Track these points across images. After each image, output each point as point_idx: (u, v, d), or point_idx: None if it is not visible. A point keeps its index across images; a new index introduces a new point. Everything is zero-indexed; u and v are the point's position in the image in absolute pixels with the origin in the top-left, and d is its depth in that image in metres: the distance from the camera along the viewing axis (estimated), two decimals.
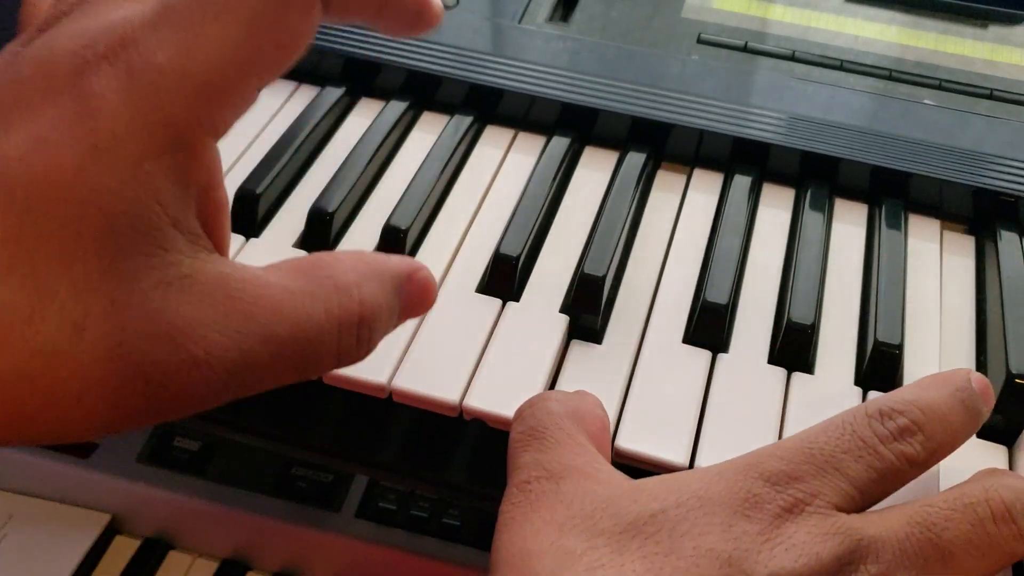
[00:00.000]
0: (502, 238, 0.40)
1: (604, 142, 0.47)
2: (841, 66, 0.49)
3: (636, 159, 0.45)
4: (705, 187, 0.45)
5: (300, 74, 0.50)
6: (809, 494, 0.26)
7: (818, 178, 0.45)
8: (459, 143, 0.45)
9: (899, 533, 0.26)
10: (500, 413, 0.34)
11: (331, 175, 0.43)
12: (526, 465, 0.28)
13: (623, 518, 0.26)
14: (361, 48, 0.49)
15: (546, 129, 0.47)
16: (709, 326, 0.37)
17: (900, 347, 0.36)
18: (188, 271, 0.23)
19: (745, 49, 0.50)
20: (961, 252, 0.43)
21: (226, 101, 0.25)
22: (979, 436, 0.35)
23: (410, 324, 0.36)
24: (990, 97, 0.47)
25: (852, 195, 0.45)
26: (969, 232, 0.44)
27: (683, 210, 0.44)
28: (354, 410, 0.38)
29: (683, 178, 0.46)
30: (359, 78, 0.49)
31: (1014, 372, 0.35)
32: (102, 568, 0.46)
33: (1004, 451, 0.35)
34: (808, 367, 0.37)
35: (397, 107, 0.47)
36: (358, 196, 0.43)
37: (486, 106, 0.48)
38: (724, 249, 0.40)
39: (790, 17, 0.52)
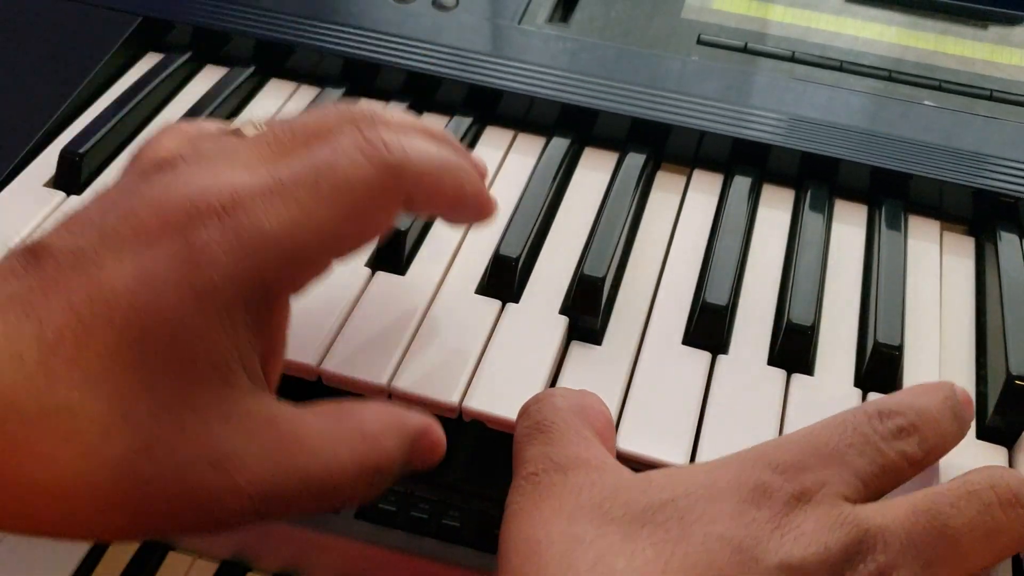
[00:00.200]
0: (502, 239, 0.40)
1: (604, 143, 0.47)
2: (841, 67, 0.49)
3: (636, 160, 0.45)
4: (705, 188, 0.45)
5: (300, 74, 0.50)
6: (817, 483, 0.27)
7: (818, 179, 0.45)
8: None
9: (906, 522, 0.27)
10: (500, 415, 0.34)
11: None
12: (533, 458, 0.28)
13: (633, 507, 0.26)
14: (361, 49, 0.49)
15: (546, 130, 0.47)
16: (709, 327, 0.37)
17: (900, 348, 0.36)
18: (245, 408, 0.26)
19: (745, 50, 0.50)
20: (961, 253, 0.43)
21: (311, 271, 0.28)
22: (979, 437, 0.35)
23: (410, 325, 0.36)
24: (990, 98, 0.47)
25: (852, 196, 0.45)
26: (969, 233, 0.44)
27: (683, 211, 0.44)
28: None
29: (683, 179, 0.46)
30: (359, 78, 0.49)
31: (1014, 373, 0.35)
32: (102, 569, 0.46)
33: (1004, 452, 0.35)
34: (808, 368, 0.37)
35: (397, 108, 0.47)
36: None
37: (486, 107, 0.48)
38: (724, 250, 0.40)
39: (790, 18, 0.52)
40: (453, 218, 0.34)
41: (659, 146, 0.46)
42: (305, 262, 0.27)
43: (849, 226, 0.43)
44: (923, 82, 0.48)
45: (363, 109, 0.30)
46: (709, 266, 0.40)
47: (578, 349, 0.37)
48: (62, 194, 0.42)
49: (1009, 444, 0.35)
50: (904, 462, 0.28)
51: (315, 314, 0.36)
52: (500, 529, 0.27)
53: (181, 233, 0.25)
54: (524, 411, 0.31)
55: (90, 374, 0.24)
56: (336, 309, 0.37)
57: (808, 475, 0.27)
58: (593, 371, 0.36)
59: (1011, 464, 0.34)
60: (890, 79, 0.48)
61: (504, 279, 0.38)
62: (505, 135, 0.47)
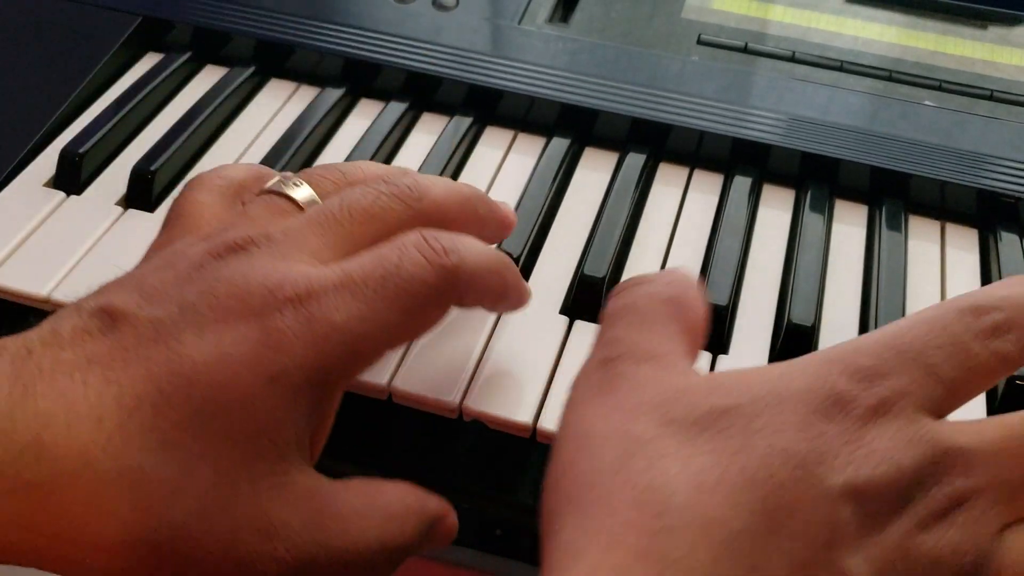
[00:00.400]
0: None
1: (604, 143, 0.47)
2: (841, 67, 0.49)
3: (636, 160, 0.45)
4: (705, 188, 0.45)
5: (300, 74, 0.50)
6: (897, 392, 0.24)
7: (818, 179, 0.45)
8: (459, 144, 0.45)
9: (994, 446, 0.24)
10: (500, 415, 0.34)
11: None
12: (612, 340, 0.28)
13: (695, 409, 0.25)
14: (361, 49, 0.49)
15: (546, 130, 0.47)
16: (709, 327, 0.37)
17: None
18: (292, 480, 0.27)
19: (745, 50, 0.50)
20: (962, 253, 0.43)
21: (368, 362, 0.29)
22: None
23: None
24: (990, 98, 0.47)
25: (852, 196, 0.45)
26: (970, 233, 0.44)
27: (683, 211, 0.44)
28: (353, 411, 0.37)
29: (683, 179, 0.46)
30: (359, 79, 0.49)
31: (1015, 374, 0.35)
32: None
33: None
34: None
35: (397, 108, 0.47)
36: None
37: (486, 107, 0.48)
38: (724, 250, 0.40)
39: (790, 18, 0.52)
40: (494, 309, 0.35)
41: (659, 146, 0.46)
42: (366, 354, 0.29)
43: (849, 226, 0.43)
44: (923, 82, 0.48)
45: (404, 181, 0.32)
46: (709, 266, 0.40)
47: (578, 349, 0.37)
48: (62, 194, 0.42)
49: None
50: (998, 363, 0.25)
51: None
52: (561, 414, 0.27)
53: (259, 318, 0.27)
54: (619, 290, 0.30)
55: (164, 440, 0.26)
56: None
57: (888, 382, 0.24)
58: None
59: None
60: (890, 79, 0.48)
61: None
62: (505, 135, 0.47)
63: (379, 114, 0.47)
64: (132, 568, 0.26)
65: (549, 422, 0.33)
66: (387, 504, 0.29)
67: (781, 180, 0.45)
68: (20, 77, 0.47)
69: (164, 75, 0.48)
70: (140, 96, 0.47)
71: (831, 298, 0.40)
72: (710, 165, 0.46)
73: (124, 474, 0.25)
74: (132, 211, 0.42)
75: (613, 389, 0.26)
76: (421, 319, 0.30)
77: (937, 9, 0.52)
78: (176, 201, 0.34)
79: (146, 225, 0.41)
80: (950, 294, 0.41)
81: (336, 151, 0.46)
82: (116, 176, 0.43)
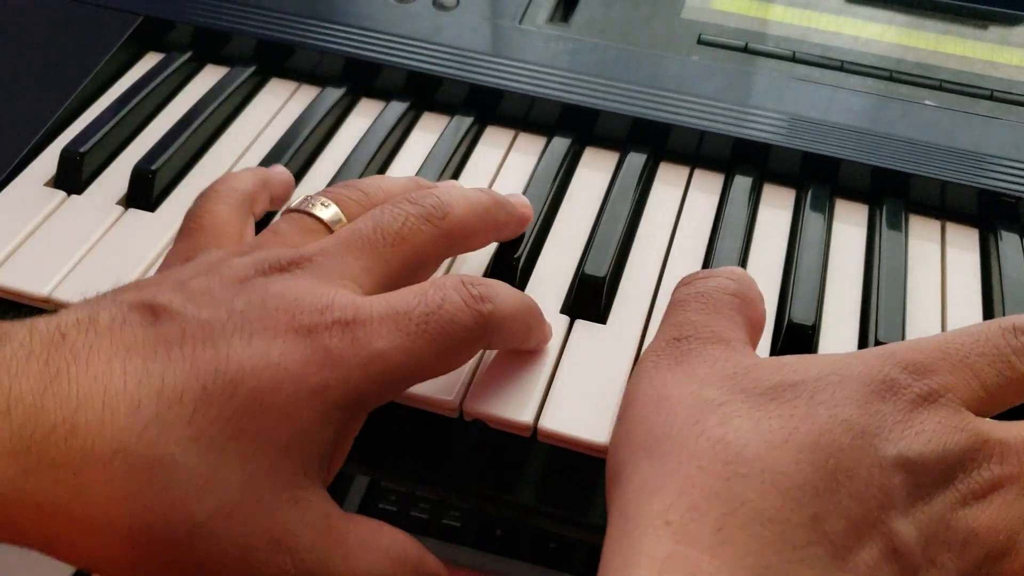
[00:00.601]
0: None
1: (604, 143, 0.47)
2: (841, 67, 0.49)
3: (636, 160, 0.45)
4: (705, 187, 0.45)
5: (300, 74, 0.50)
6: (943, 386, 0.27)
7: (818, 179, 0.45)
8: (459, 144, 0.45)
9: None
10: (500, 414, 0.34)
11: (332, 176, 0.43)
12: (682, 323, 0.30)
13: (763, 382, 0.27)
14: (361, 49, 0.49)
15: (546, 130, 0.47)
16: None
17: None
18: (309, 498, 0.28)
19: (745, 50, 0.50)
20: (962, 252, 0.43)
21: (397, 391, 0.30)
22: None
23: None
24: (990, 98, 0.47)
25: (853, 196, 0.45)
26: (970, 232, 0.44)
27: (683, 211, 0.44)
28: None
29: (683, 179, 0.46)
30: (359, 78, 0.49)
31: None
32: None
33: None
34: None
35: (397, 108, 0.47)
36: None
37: (486, 107, 0.48)
38: (725, 250, 0.40)
39: (790, 18, 0.52)
40: (519, 348, 0.36)
41: (660, 146, 0.46)
42: (398, 382, 0.30)
43: (850, 226, 0.43)
44: (923, 82, 0.48)
45: (428, 201, 0.33)
46: (710, 266, 0.40)
47: (578, 348, 0.37)
48: (63, 193, 0.42)
49: None
50: None
51: None
52: (629, 383, 0.29)
53: (308, 334, 0.28)
54: (690, 279, 0.32)
55: (201, 436, 0.26)
56: None
57: (935, 378, 0.27)
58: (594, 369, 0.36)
59: None
60: (891, 79, 0.48)
61: (505, 279, 0.38)
62: (506, 135, 0.47)
63: (380, 114, 0.47)
64: (143, 561, 0.26)
65: (550, 422, 0.33)
66: (389, 545, 0.30)
67: (781, 180, 0.45)
68: (21, 76, 0.47)
69: (165, 75, 0.48)
70: (141, 96, 0.47)
71: (831, 298, 0.40)
72: (711, 165, 0.46)
73: (156, 463, 0.25)
74: (133, 211, 0.42)
75: (684, 361, 0.29)
76: (453, 359, 0.31)
77: (937, 9, 0.52)
78: (192, 212, 0.35)
79: (147, 225, 0.41)
80: (950, 294, 0.41)
81: (336, 151, 0.46)
82: (117, 176, 0.43)
